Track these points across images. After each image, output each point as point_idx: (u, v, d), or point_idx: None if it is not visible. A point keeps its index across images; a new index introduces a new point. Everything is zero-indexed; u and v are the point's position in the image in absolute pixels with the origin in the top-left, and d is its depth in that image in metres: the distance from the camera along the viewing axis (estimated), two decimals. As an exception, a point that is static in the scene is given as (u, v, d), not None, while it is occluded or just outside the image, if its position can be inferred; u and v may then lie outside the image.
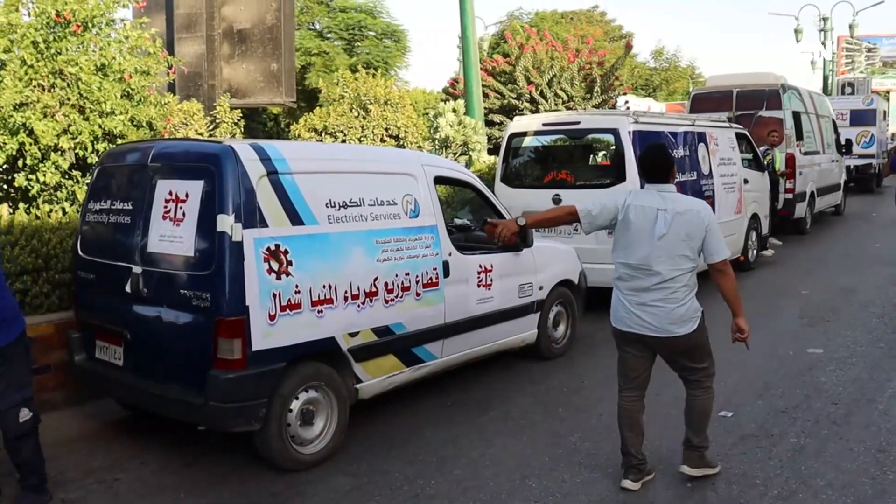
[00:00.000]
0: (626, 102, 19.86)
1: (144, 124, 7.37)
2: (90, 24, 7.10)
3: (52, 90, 6.83)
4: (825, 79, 35.70)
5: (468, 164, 12.13)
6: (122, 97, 7.12)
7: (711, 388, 4.09)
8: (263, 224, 4.11)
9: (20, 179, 6.88)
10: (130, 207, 4.52)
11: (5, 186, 7.18)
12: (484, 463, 4.41)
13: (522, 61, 17.06)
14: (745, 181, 10.20)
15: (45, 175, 6.79)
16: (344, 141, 12.32)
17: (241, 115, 11.93)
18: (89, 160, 6.93)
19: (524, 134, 8.65)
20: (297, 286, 4.22)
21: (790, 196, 12.58)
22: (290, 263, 4.20)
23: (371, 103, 12.68)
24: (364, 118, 12.63)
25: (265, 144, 4.41)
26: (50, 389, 5.14)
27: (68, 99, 6.85)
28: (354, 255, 4.58)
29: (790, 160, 12.54)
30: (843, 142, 16.08)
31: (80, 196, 6.86)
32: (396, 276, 4.81)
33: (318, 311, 4.33)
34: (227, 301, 3.97)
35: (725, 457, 4.36)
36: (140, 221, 4.41)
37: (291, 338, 4.19)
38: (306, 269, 4.28)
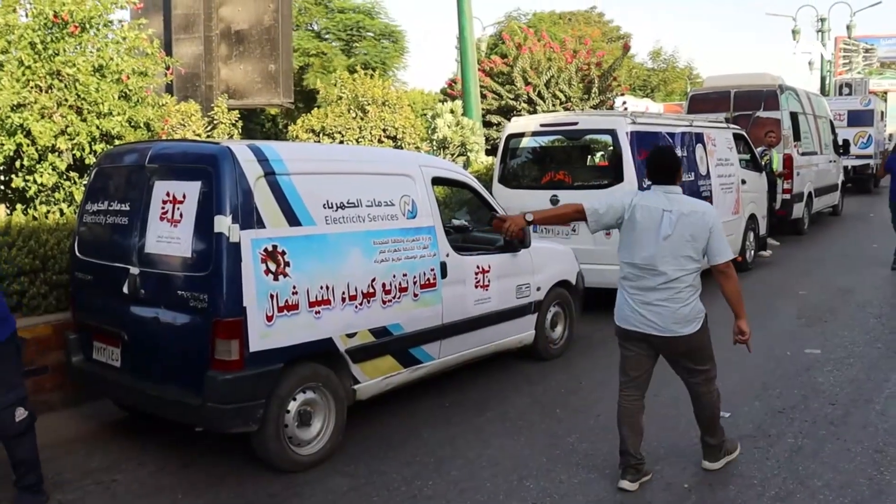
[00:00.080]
0: (624, 103, 19.86)
1: (142, 125, 7.37)
2: (88, 25, 7.10)
3: (49, 91, 6.83)
4: (823, 79, 35.75)
5: (466, 165, 12.12)
6: (119, 98, 7.12)
7: (714, 390, 4.12)
8: (261, 225, 4.11)
9: (17, 180, 6.88)
10: (128, 208, 4.52)
11: (2, 187, 7.18)
12: (481, 463, 4.41)
13: (520, 62, 17.09)
14: (743, 182, 10.22)
15: (42, 176, 6.79)
16: (342, 142, 12.31)
17: (238, 115, 11.90)
18: (87, 161, 6.93)
19: (522, 135, 8.65)
20: (294, 287, 4.21)
21: (788, 196, 12.60)
22: (287, 264, 4.19)
23: (369, 104, 12.68)
24: (362, 119, 12.62)
25: (263, 145, 4.40)
26: (47, 390, 5.14)
27: (66, 100, 6.85)
28: (352, 255, 4.58)
29: (788, 161, 12.56)
30: (840, 142, 16.12)
31: (78, 197, 6.86)
32: (394, 276, 4.81)
33: (316, 312, 4.33)
34: (224, 302, 3.97)
35: (723, 457, 4.36)
36: (137, 222, 4.41)
37: (289, 339, 4.19)
38: (304, 270, 4.27)
